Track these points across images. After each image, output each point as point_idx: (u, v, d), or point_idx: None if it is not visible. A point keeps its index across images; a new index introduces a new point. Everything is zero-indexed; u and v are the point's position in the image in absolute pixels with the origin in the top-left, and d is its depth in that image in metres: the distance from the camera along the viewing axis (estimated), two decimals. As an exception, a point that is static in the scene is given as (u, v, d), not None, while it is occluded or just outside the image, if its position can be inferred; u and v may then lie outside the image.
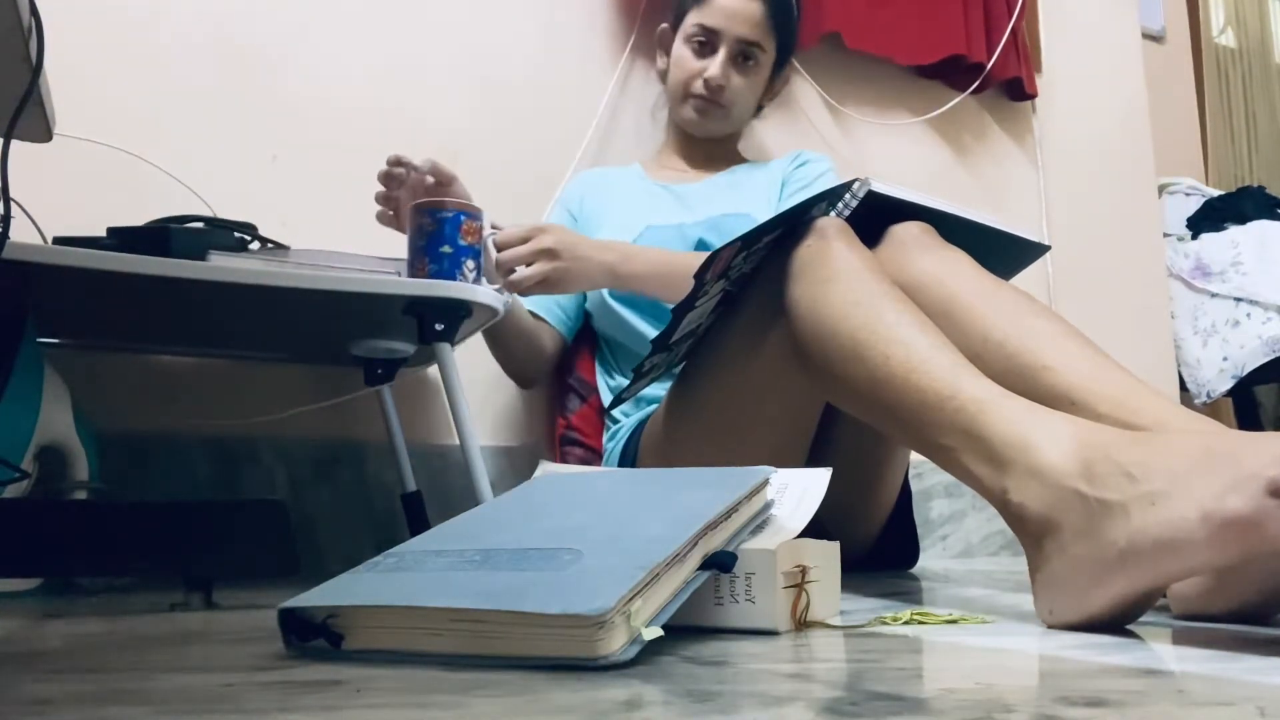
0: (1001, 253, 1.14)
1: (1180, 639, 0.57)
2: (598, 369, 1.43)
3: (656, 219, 1.39)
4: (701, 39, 1.43)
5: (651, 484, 0.68)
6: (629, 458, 1.25)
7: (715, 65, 1.42)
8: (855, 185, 1.02)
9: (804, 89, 1.91)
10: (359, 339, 1.25)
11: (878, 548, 1.24)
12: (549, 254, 1.15)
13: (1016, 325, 0.87)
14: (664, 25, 1.53)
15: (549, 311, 1.40)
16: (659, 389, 1.29)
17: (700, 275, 0.95)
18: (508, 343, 1.35)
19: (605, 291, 1.37)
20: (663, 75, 1.57)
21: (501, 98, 1.61)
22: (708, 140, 1.53)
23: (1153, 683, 0.42)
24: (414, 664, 0.49)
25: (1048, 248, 1.17)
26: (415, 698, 0.40)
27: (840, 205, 1.02)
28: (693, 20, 1.44)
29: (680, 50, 1.45)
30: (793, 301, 0.90)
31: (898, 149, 2.01)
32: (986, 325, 0.88)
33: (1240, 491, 0.50)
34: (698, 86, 1.44)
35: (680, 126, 1.52)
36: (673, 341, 1.04)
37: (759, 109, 1.57)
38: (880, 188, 1.02)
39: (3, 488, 0.92)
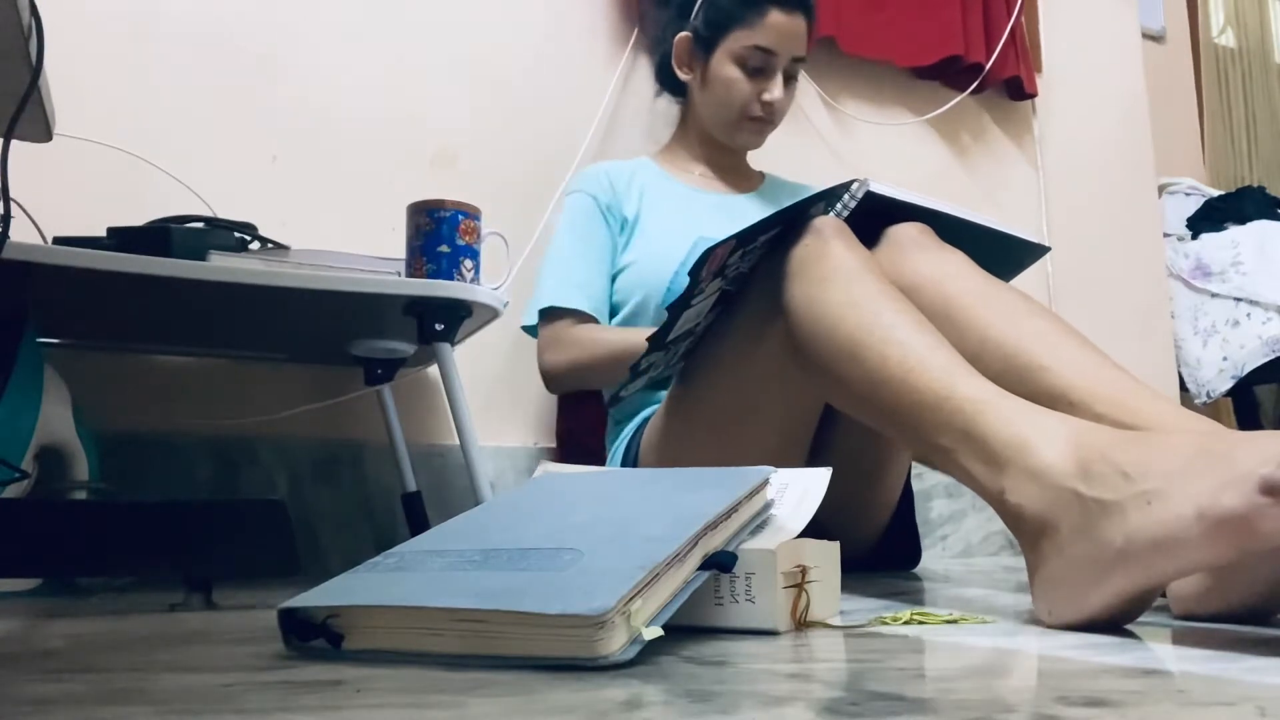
0: (1001, 254, 1.14)
1: (1180, 639, 0.57)
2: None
3: (708, 231, 1.33)
4: (756, 61, 1.39)
5: (651, 484, 0.68)
6: (630, 457, 1.25)
7: (777, 89, 1.39)
8: (854, 186, 1.02)
9: (804, 89, 1.91)
10: (359, 339, 1.25)
11: (880, 548, 1.24)
12: None
13: (1014, 325, 0.87)
14: (684, 34, 1.45)
15: (601, 313, 1.36)
16: (661, 390, 1.29)
17: (695, 273, 0.95)
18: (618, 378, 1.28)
19: (620, 292, 1.37)
20: (672, 84, 1.52)
21: (503, 96, 1.61)
22: (733, 151, 1.51)
23: (1153, 683, 0.42)
24: (414, 664, 0.49)
25: (1047, 249, 1.17)
26: (415, 698, 0.40)
27: (839, 206, 1.02)
28: (745, 41, 1.38)
29: (729, 71, 1.40)
30: (790, 301, 0.90)
31: (897, 149, 2.01)
32: (984, 325, 0.88)
33: (1234, 490, 0.50)
34: (756, 109, 1.41)
35: (712, 136, 1.48)
36: (669, 340, 1.03)
37: None
38: (878, 188, 1.02)
39: (3, 488, 0.92)
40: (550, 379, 1.35)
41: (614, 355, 1.26)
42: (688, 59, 1.46)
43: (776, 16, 1.38)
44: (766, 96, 1.40)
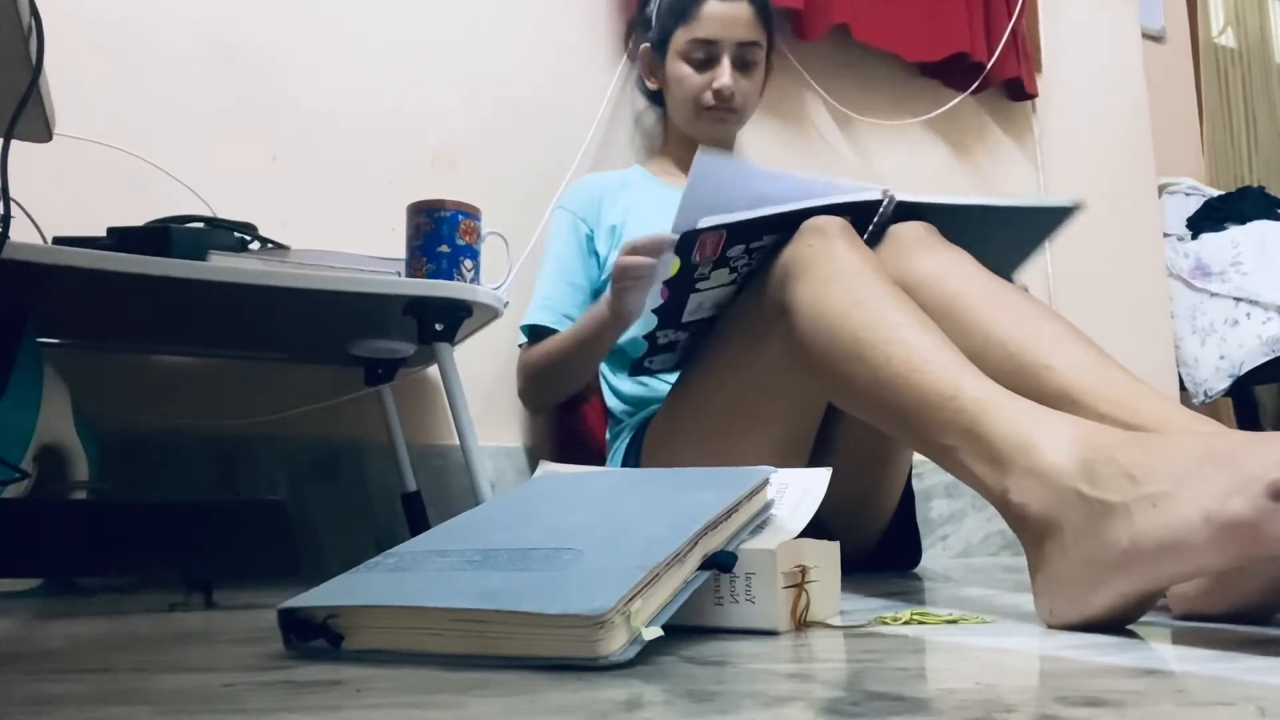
0: (1029, 226, 1.13)
1: (1180, 639, 0.57)
2: (600, 368, 1.43)
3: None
4: (700, 54, 1.42)
5: (651, 484, 0.68)
6: (631, 457, 1.25)
7: (724, 75, 1.41)
8: (884, 203, 1.02)
9: (804, 90, 1.91)
10: (359, 339, 1.25)
11: (880, 548, 1.24)
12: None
13: (1018, 325, 0.87)
14: (644, 45, 1.51)
15: (563, 323, 1.38)
16: (661, 388, 1.29)
17: (685, 253, 0.95)
18: (569, 372, 1.33)
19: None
20: (651, 94, 1.58)
21: (501, 98, 1.61)
22: (711, 148, 1.52)
23: (1153, 683, 0.42)
24: (414, 664, 0.49)
25: (1078, 206, 1.09)
26: (415, 698, 0.40)
27: (870, 225, 1.03)
28: (685, 37, 1.42)
29: (680, 69, 1.43)
30: (794, 301, 0.90)
31: (898, 149, 2.01)
32: (988, 325, 0.88)
33: (1242, 494, 0.50)
34: (708, 99, 1.42)
35: (687, 136, 1.50)
36: (684, 321, 1.05)
37: None
38: (905, 197, 1.02)
39: (3, 488, 0.92)
40: (523, 403, 1.45)
41: (551, 358, 1.32)
42: (650, 68, 1.52)
43: (712, 6, 1.41)
44: (715, 84, 1.42)
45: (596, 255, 1.43)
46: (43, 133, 0.86)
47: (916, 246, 0.99)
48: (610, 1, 1.73)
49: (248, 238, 1.11)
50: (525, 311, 1.41)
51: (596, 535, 0.56)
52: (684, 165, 1.53)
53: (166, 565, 0.88)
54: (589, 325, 1.26)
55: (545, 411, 1.51)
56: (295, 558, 0.90)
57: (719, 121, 1.46)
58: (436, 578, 0.53)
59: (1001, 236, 1.01)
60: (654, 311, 1.04)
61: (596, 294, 1.42)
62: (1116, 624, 0.59)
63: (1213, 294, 2.43)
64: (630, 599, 0.47)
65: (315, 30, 1.48)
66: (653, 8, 1.50)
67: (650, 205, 1.44)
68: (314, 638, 0.53)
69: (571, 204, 1.47)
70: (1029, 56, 2.13)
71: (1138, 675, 0.43)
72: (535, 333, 1.38)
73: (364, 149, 1.49)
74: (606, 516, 0.60)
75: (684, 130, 1.50)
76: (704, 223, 0.95)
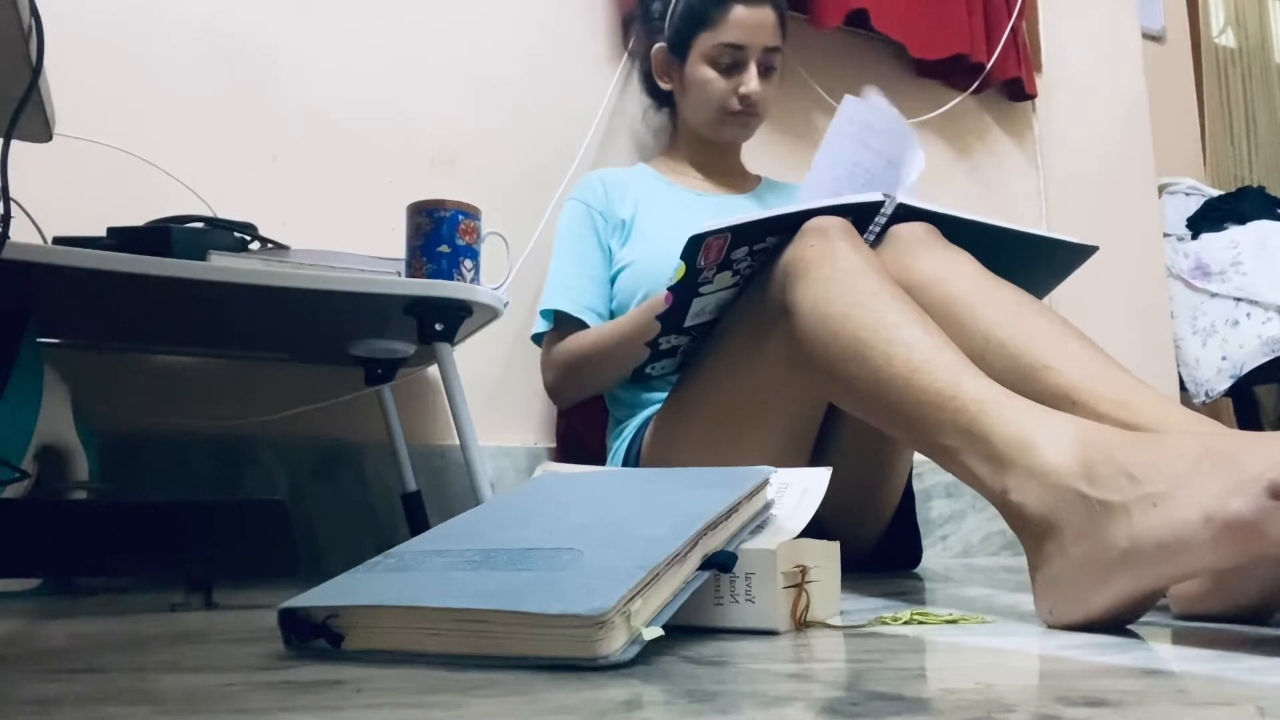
0: (1044, 261, 1.13)
1: (1180, 639, 0.57)
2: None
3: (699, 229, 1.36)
4: (727, 59, 1.40)
5: (651, 484, 0.68)
6: (632, 457, 1.25)
7: (752, 81, 1.40)
8: (885, 205, 1.02)
9: (804, 90, 1.91)
10: (359, 339, 1.25)
11: (881, 548, 1.24)
12: None
13: (1018, 325, 0.87)
14: (659, 45, 1.48)
15: (597, 316, 1.36)
16: (662, 388, 1.29)
17: (690, 259, 0.95)
18: (615, 372, 1.27)
19: (622, 292, 1.37)
20: (659, 94, 1.56)
21: (501, 98, 1.61)
22: (725, 149, 1.52)
23: (1153, 683, 0.42)
24: (414, 664, 0.49)
25: (1094, 249, 1.13)
26: (415, 698, 0.40)
27: (873, 225, 1.03)
28: (711, 41, 1.40)
29: (704, 72, 1.41)
30: (795, 301, 0.90)
31: (898, 149, 2.01)
32: (988, 325, 0.88)
33: (1242, 494, 0.50)
34: (734, 104, 1.41)
35: (702, 137, 1.49)
36: (687, 326, 1.04)
37: None
38: (907, 201, 1.03)
39: (3, 488, 0.92)
40: (553, 396, 1.39)
41: (598, 349, 1.27)
42: (665, 69, 1.50)
43: (740, 11, 1.40)
44: (743, 90, 1.41)
45: (610, 249, 1.42)
46: (43, 133, 0.86)
47: (918, 247, 0.99)
48: (610, 4, 1.73)
49: (248, 238, 1.11)
50: (541, 297, 1.38)
51: (596, 535, 0.56)
52: (697, 165, 1.52)
53: (166, 565, 0.88)
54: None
55: (570, 405, 1.45)
56: (295, 558, 0.90)
57: (742, 126, 1.45)
58: (436, 578, 0.53)
59: (1009, 259, 1.02)
60: (657, 318, 1.04)
61: (614, 280, 1.41)
62: (1117, 624, 0.59)
63: (1213, 294, 2.43)
64: (630, 599, 0.47)
65: (315, 30, 1.48)
66: (658, 7, 1.49)
67: (661, 202, 1.44)
68: (314, 638, 0.53)
69: (585, 196, 1.44)
70: (1029, 57, 2.13)
71: (1138, 675, 0.43)
72: (561, 320, 1.35)
73: (364, 149, 1.49)
74: (606, 516, 0.60)
75: (701, 132, 1.48)
76: (708, 226, 0.95)
